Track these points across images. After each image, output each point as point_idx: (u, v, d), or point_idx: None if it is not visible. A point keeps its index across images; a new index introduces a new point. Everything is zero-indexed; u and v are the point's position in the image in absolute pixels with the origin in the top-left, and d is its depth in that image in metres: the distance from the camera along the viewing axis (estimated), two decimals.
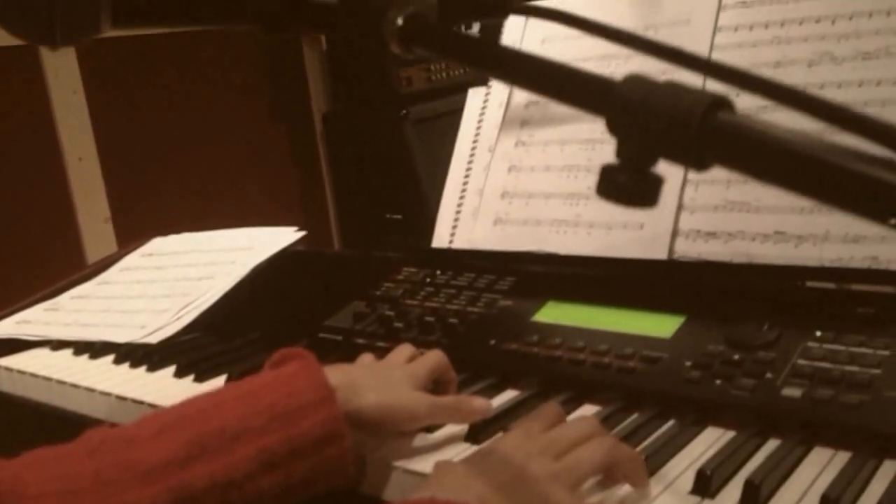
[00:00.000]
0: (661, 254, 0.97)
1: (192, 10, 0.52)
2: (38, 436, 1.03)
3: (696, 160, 0.43)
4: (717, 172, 0.98)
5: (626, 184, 0.44)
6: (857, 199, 0.39)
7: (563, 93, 0.48)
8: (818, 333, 0.81)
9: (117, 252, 1.44)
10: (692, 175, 0.99)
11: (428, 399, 0.75)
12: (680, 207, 0.99)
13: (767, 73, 0.98)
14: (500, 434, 0.74)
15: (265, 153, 2.64)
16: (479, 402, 0.77)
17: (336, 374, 0.71)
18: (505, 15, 0.58)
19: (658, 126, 0.43)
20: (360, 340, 0.99)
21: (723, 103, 0.43)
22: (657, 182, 0.45)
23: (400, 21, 0.48)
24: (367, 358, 0.85)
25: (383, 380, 0.74)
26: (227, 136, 2.54)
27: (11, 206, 2.07)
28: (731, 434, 0.75)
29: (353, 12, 0.49)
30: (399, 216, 2.30)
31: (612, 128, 0.45)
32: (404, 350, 0.84)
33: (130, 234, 2.28)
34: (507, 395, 0.86)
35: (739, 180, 0.96)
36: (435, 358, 0.81)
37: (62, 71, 2.16)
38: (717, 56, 1.02)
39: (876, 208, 0.38)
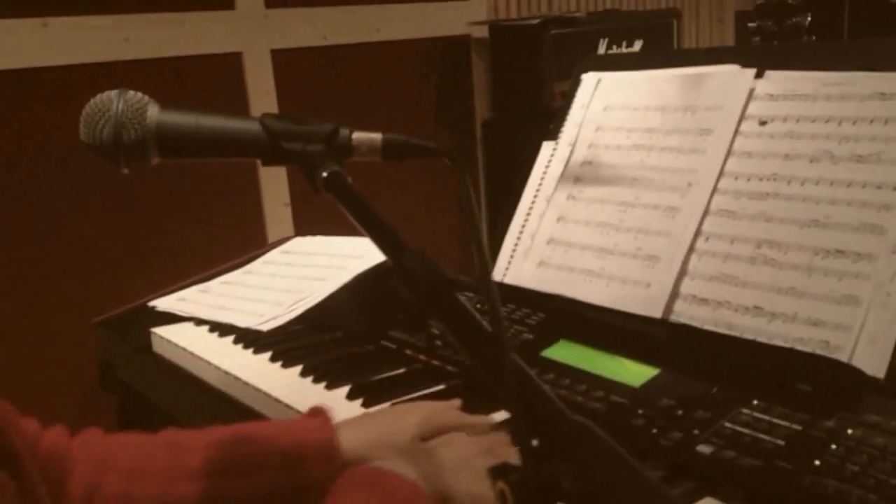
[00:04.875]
0: (657, 312, 1.13)
1: (213, 150, 0.77)
2: (180, 392, 1.36)
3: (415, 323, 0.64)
4: (720, 245, 1.12)
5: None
6: None
7: (381, 243, 0.69)
8: (755, 402, 0.95)
9: (267, 246, 1.76)
10: (698, 244, 1.14)
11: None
12: (683, 273, 1.14)
13: (777, 163, 1.11)
14: None
15: None
16: None
17: (352, 434, 0.91)
18: (437, 156, 0.78)
19: (409, 288, 0.64)
20: (408, 351, 1.23)
21: (454, 284, 0.64)
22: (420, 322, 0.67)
23: (325, 174, 0.71)
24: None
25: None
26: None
27: (209, 189, 2.48)
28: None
29: (304, 165, 0.72)
30: None
31: (398, 277, 0.66)
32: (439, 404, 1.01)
33: (305, 217, 2.66)
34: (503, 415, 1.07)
35: (735, 256, 1.10)
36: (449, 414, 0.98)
37: (260, 76, 2.55)
38: (739, 143, 1.15)
39: None
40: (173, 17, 2.29)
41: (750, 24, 1.58)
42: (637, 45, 3.11)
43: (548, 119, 2.70)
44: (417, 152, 0.77)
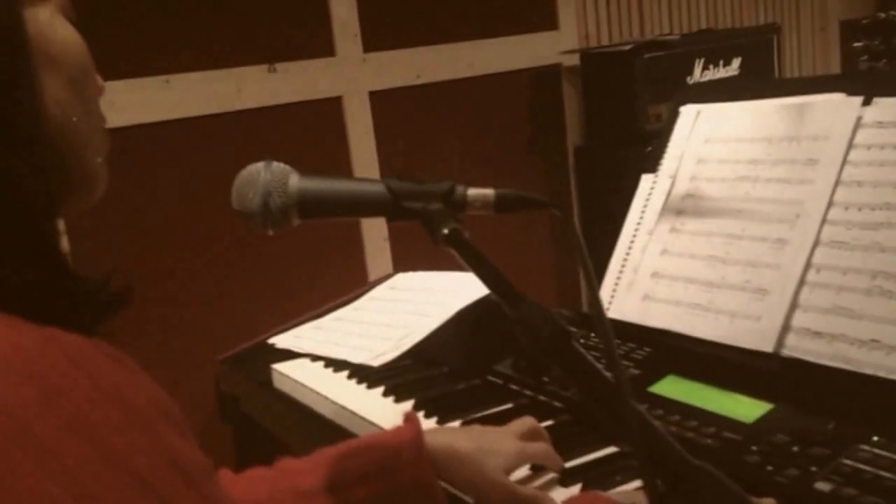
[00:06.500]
0: (768, 346, 1.12)
1: (345, 211, 0.82)
2: (299, 424, 1.42)
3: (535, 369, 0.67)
4: (833, 277, 1.11)
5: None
6: None
7: (499, 295, 0.72)
8: (875, 438, 0.94)
9: (371, 282, 1.82)
10: (809, 276, 1.13)
11: (507, 491, 0.96)
12: (794, 305, 1.13)
13: (889, 192, 1.09)
14: None
15: (521, 183, 2.95)
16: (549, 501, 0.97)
17: (440, 440, 0.97)
18: (547, 207, 0.81)
19: (528, 337, 0.66)
20: (513, 387, 1.25)
21: (567, 333, 0.66)
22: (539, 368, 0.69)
23: (446, 231, 0.74)
24: (512, 427, 1.06)
25: (483, 456, 0.97)
26: (489, 166, 2.89)
27: (312, 225, 2.57)
28: None
29: (426, 222, 0.76)
30: None
31: (517, 327, 0.68)
32: (524, 423, 1.06)
33: (403, 252, 2.72)
34: (607, 451, 1.08)
35: (849, 288, 1.09)
36: (539, 450, 1.02)
37: (358, 117, 2.63)
38: (848, 172, 1.14)
39: None
40: (279, 67, 2.39)
41: (856, 45, 1.55)
42: (735, 64, 3.06)
43: (642, 143, 2.71)
44: (529, 205, 0.80)
